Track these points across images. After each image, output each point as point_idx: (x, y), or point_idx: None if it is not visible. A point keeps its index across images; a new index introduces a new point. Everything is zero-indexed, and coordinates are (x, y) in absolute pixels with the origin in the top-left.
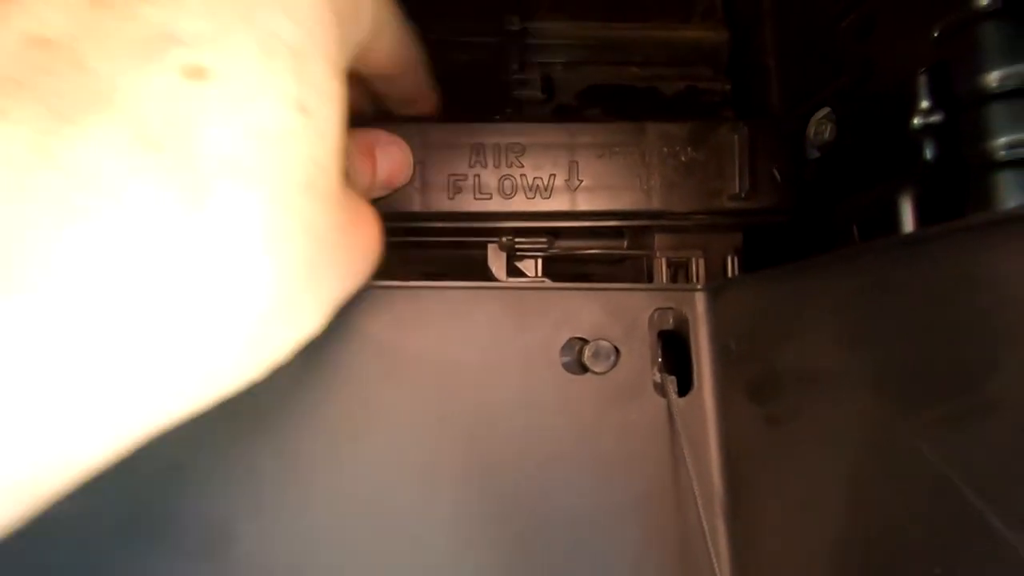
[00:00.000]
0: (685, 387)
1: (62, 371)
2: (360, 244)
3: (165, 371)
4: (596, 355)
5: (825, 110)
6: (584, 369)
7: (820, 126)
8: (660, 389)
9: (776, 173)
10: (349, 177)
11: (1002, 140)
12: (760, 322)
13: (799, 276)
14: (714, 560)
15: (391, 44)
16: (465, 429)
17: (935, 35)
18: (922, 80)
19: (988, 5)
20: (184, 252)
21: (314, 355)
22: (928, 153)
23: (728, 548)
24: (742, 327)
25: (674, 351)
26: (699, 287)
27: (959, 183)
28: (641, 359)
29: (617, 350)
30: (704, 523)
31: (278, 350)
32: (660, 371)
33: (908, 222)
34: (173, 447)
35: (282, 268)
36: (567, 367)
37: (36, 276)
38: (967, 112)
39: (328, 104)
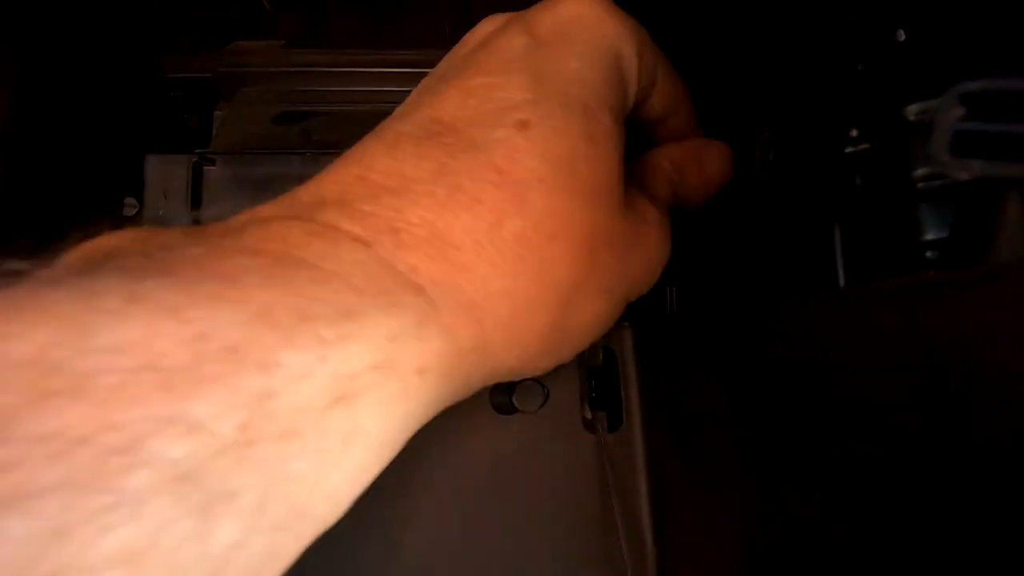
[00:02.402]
0: (617, 423)
1: None
2: (640, 253)
3: None
4: (525, 395)
5: (767, 134)
6: (514, 409)
7: (765, 149)
8: (590, 425)
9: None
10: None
11: (920, 172)
12: (679, 361)
13: (705, 322)
14: None
15: (661, 94)
16: (394, 475)
17: (859, 68)
18: (851, 111)
19: (904, 41)
20: None
21: None
22: (858, 180)
23: None
24: (665, 364)
25: (607, 386)
26: (625, 324)
27: (885, 212)
28: (570, 396)
29: (545, 388)
30: (627, 559)
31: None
32: (590, 408)
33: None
34: None
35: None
36: (497, 408)
37: None
38: (889, 143)
39: (608, 140)
